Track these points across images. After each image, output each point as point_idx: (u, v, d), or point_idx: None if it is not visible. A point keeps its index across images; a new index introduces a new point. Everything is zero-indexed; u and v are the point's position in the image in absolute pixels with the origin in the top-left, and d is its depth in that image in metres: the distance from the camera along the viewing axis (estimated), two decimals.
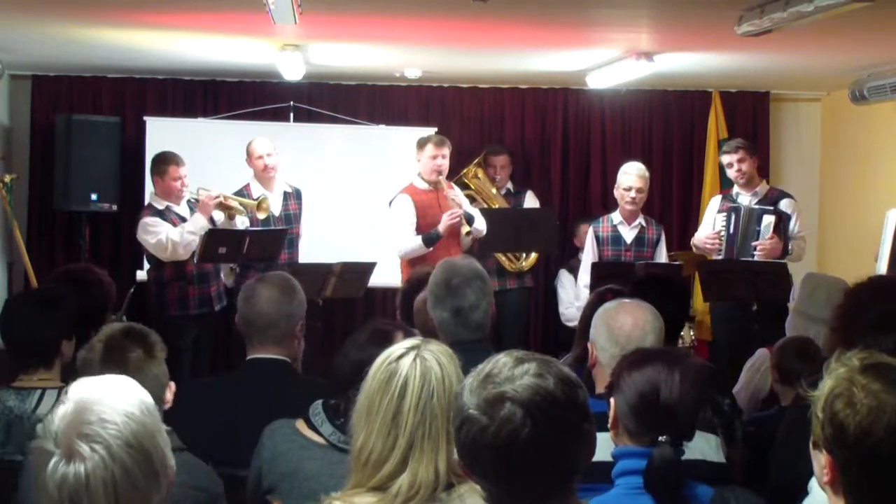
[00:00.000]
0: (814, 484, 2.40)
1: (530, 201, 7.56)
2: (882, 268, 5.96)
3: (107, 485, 1.66)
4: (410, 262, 6.32)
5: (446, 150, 6.54)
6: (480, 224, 6.55)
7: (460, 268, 3.53)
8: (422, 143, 6.59)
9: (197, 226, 6.24)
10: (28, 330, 3.32)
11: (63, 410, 1.70)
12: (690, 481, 2.31)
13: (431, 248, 6.33)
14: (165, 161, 6.41)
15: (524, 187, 7.75)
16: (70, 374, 3.29)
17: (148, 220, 6.27)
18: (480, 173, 7.41)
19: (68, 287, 3.81)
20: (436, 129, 7.63)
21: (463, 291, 3.44)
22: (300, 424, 2.71)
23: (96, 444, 1.66)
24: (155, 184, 6.47)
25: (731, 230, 6.35)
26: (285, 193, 6.76)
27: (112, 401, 1.71)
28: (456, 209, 6.39)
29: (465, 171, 7.20)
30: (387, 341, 2.76)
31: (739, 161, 6.41)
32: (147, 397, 1.78)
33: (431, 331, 3.48)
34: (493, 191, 7.40)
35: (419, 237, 6.38)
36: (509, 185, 7.61)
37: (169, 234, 6.19)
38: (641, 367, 2.38)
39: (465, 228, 6.43)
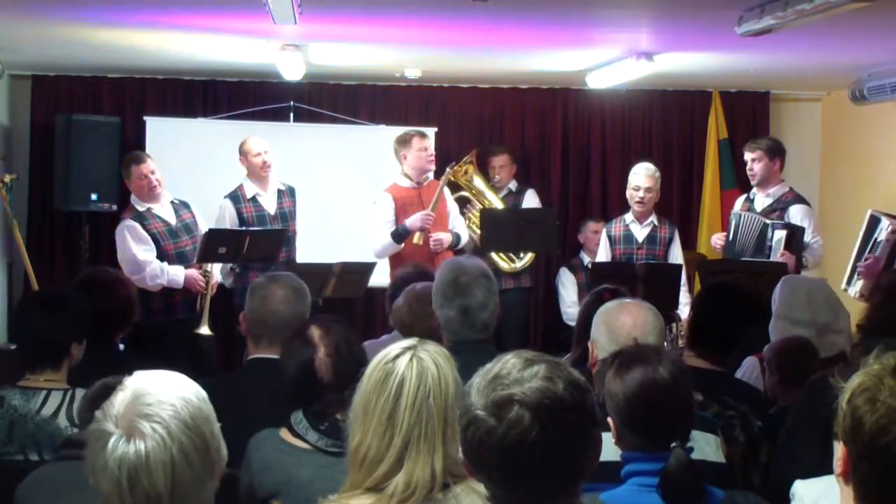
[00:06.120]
0: (797, 488, 2.40)
1: (530, 200, 7.45)
2: (849, 264, 6.00)
3: (165, 464, 1.70)
4: (393, 264, 6.32)
5: (431, 142, 6.47)
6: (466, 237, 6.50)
7: (468, 267, 3.50)
8: (405, 140, 6.53)
9: (171, 281, 6.20)
10: (38, 330, 3.30)
11: (122, 396, 1.75)
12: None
13: (402, 245, 6.34)
14: (126, 163, 6.39)
15: (525, 186, 7.66)
16: (76, 377, 3.29)
17: (136, 234, 6.20)
18: (471, 170, 7.32)
19: (89, 291, 3.72)
20: (436, 130, 7.64)
21: (471, 290, 3.40)
22: (284, 433, 2.67)
23: (156, 424, 1.71)
24: (128, 187, 6.45)
25: (731, 236, 6.28)
26: (279, 191, 6.70)
27: (168, 387, 1.78)
28: (442, 237, 6.39)
29: (455, 169, 6.97)
30: (305, 340, 2.76)
31: (753, 160, 6.29)
32: (200, 389, 1.84)
33: (410, 331, 3.47)
34: (487, 190, 7.30)
35: (388, 234, 6.37)
36: (511, 185, 7.50)
37: (150, 272, 6.13)
38: (623, 375, 2.38)
39: (417, 236, 6.35)
